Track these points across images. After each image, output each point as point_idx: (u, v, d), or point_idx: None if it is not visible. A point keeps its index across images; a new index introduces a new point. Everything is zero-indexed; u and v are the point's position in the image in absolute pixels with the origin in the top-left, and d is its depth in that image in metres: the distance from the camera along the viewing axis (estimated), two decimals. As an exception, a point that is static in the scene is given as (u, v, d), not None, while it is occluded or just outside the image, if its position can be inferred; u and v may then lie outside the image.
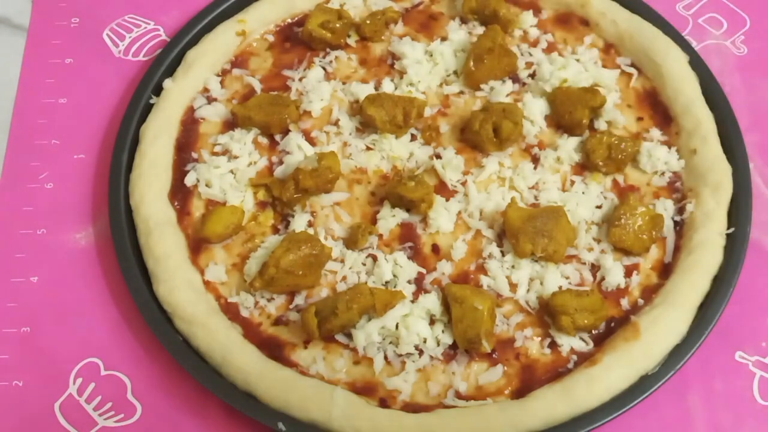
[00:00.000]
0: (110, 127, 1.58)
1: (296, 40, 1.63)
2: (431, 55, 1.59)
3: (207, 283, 1.37)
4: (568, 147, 1.48)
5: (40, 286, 1.42)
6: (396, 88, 1.56)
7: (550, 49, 1.60)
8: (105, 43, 1.70)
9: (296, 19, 1.66)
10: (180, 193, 1.46)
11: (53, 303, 1.40)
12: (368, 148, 1.50)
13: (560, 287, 1.34)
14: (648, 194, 1.45)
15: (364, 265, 1.38)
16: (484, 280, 1.36)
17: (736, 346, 1.35)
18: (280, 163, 1.48)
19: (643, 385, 1.25)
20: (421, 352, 1.30)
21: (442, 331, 1.31)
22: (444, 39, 1.61)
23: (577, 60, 1.57)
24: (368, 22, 1.61)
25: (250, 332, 1.33)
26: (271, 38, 1.64)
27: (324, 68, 1.59)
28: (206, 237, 1.40)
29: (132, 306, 1.36)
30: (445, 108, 1.54)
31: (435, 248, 1.40)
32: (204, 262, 1.39)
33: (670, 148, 1.47)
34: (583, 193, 1.44)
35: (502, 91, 1.54)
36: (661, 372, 1.25)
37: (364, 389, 1.28)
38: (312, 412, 1.23)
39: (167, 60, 1.59)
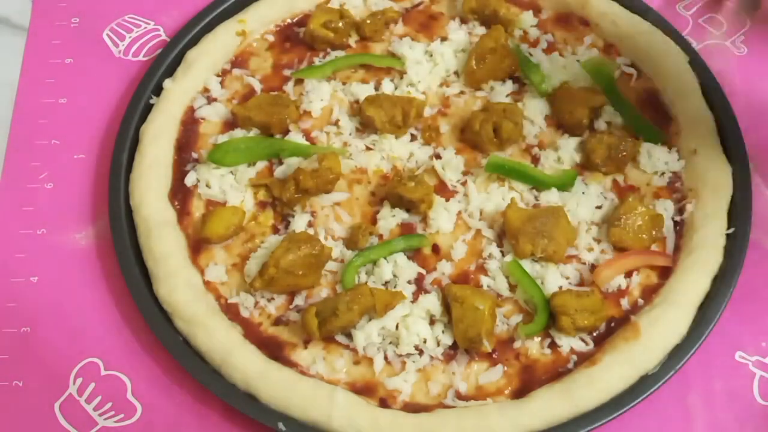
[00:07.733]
0: (110, 127, 1.57)
1: (296, 40, 1.63)
2: (431, 56, 1.59)
3: (207, 284, 1.37)
4: (568, 147, 1.48)
5: (40, 286, 1.42)
6: (396, 89, 1.56)
7: (550, 49, 1.60)
8: (105, 43, 1.70)
9: (296, 19, 1.66)
10: (180, 193, 1.46)
11: (53, 303, 1.40)
12: (368, 149, 1.50)
13: (560, 287, 1.34)
14: (648, 194, 1.44)
15: (364, 265, 1.38)
16: (484, 280, 1.36)
17: (736, 346, 1.35)
18: (280, 163, 1.48)
19: (643, 385, 1.25)
20: (421, 352, 1.30)
21: (442, 331, 1.31)
22: (444, 39, 1.61)
23: (578, 60, 1.57)
24: (368, 22, 1.61)
25: (250, 332, 1.33)
26: (271, 38, 1.64)
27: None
28: (207, 237, 1.39)
29: (132, 306, 1.36)
30: (445, 108, 1.54)
31: (435, 248, 1.40)
32: (204, 263, 1.39)
33: (670, 148, 1.47)
34: (583, 193, 1.44)
35: (502, 91, 1.54)
36: (661, 372, 1.25)
37: (364, 389, 1.28)
38: (312, 412, 1.23)
39: (167, 60, 1.59)
